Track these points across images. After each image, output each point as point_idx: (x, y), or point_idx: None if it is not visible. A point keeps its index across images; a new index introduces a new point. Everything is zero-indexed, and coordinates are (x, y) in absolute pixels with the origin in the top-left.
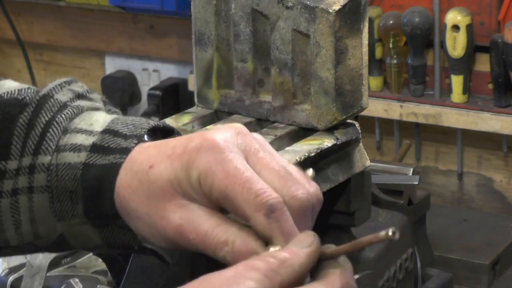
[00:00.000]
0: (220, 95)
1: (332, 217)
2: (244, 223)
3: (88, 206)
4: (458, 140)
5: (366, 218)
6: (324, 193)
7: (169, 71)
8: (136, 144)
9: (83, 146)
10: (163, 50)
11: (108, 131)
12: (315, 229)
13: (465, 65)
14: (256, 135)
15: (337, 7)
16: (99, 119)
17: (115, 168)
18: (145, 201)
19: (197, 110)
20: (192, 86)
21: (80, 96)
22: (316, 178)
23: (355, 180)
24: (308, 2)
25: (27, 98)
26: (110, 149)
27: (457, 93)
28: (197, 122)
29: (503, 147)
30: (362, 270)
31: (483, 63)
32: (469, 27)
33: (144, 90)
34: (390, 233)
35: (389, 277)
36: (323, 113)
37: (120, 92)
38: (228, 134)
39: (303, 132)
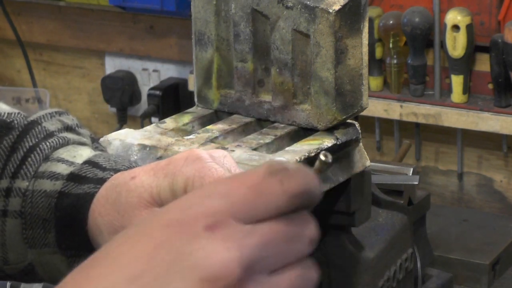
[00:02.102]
0: (220, 95)
1: (332, 217)
2: None
3: (60, 235)
4: (458, 140)
5: (366, 218)
6: (324, 193)
7: (169, 71)
8: (112, 175)
9: (60, 175)
10: (163, 50)
11: (88, 162)
12: None
13: (465, 65)
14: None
15: (337, 7)
16: (83, 154)
17: (88, 198)
18: (120, 212)
19: (197, 110)
20: (192, 86)
21: (68, 128)
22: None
23: (355, 180)
24: (308, 2)
25: (15, 122)
26: (86, 179)
27: (457, 93)
28: (197, 122)
29: (503, 147)
30: (362, 270)
31: (483, 63)
32: (469, 27)
33: (144, 90)
34: (323, 158)
35: (389, 277)
36: (323, 113)
37: (120, 92)
38: (214, 153)
39: (303, 132)
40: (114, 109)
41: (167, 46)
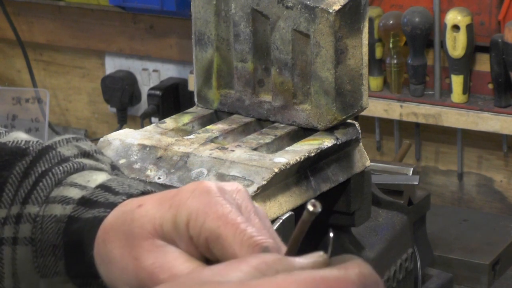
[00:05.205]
0: (220, 95)
1: (332, 217)
2: None
3: (68, 262)
4: (458, 140)
5: (366, 218)
6: (324, 193)
7: (169, 71)
8: (124, 200)
9: (72, 199)
10: (163, 50)
11: (101, 186)
12: (315, 229)
13: (465, 65)
14: (256, 205)
15: (337, 7)
16: (98, 179)
17: (96, 223)
18: (122, 241)
19: (197, 110)
20: (192, 86)
21: (85, 154)
22: (316, 178)
23: (355, 180)
24: (308, 2)
25: (31, 148)
26: (97, 203)
27: (457, 93)
28: (197, 122)
29: (503, 147)
30: None
31: (483, 63)
32: (469, 27)
33: (144, 90)
34: (311, 209)
35: (389, 277)
36: (323, 113)
37: (120, 92)
38: (226, 187)
39: (303, 132)
40: (114, 109)
41: (167, 46)
